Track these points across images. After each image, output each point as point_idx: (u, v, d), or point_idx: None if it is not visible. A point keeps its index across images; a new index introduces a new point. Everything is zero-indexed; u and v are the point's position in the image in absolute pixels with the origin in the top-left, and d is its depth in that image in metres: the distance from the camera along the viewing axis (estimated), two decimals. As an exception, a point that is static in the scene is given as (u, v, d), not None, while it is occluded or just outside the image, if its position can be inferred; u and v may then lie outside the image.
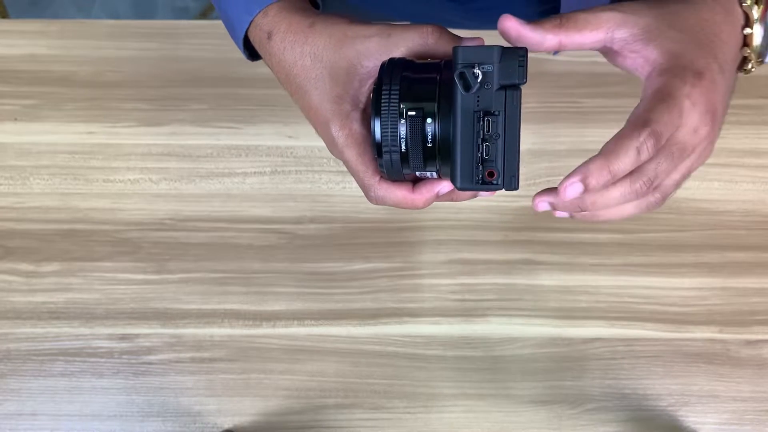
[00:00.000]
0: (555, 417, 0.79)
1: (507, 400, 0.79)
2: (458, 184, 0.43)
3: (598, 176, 0.41)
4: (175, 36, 0.87)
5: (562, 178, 0.85)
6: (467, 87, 0.41)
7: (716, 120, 0.44)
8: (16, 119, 0.84)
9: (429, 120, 0.43)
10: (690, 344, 0.80)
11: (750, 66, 0.49)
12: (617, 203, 0.43)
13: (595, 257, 0.82)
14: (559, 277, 0.81)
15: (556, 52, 0.47)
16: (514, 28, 0.43)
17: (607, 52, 0.46)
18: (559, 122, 0.76)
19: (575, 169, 0.41)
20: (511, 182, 0.43)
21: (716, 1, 0.47)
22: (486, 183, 0.42)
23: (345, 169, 0.83)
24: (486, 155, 0.42)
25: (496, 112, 0.42)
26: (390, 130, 0.43)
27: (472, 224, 0.82)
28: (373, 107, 0.44)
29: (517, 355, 0.80)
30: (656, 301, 0.81)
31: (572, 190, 0.41)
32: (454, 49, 0.42)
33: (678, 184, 0.45)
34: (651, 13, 0.45)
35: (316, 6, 0.52)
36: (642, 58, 0.44)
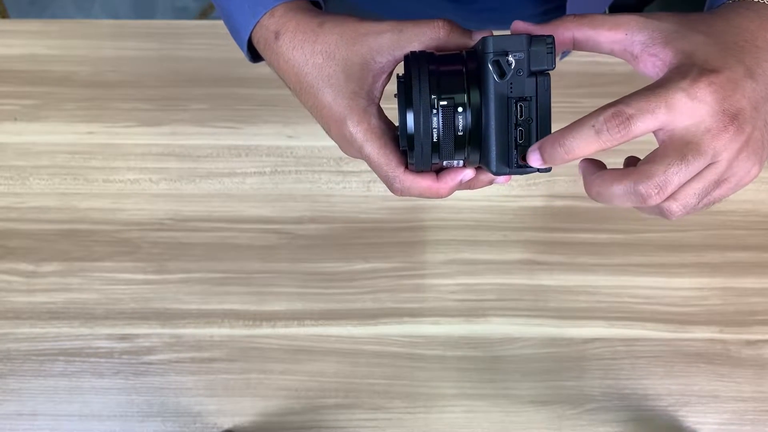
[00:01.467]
0: (555, 417, 0.79)
1: (507, 400, 0.79)
2: (494, 169, 0.44)
3: (551, 148, 0.41)
4: (175, 36, 0.87)
5: (562, 177, 0.85)
6: (502, 74, 0.43)
7: (742, 124, 0.40)
8: (16, 119, 0.84)
9: (460, 109, 0.44)
10: (690, 344, 0.80)
11: None
12: (622, 204, 0.42)
13: (595, 257, 0.82)
14: (559, 277, 0.81)
15: (564, 55, 0.47)
16: (521, 29, 0.44)
17: (628, 57, 0.45)
18: (559, 122, 0.76)
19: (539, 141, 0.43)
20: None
21: (750, 9, 0.45)
22: (521, 167, 0.44)
23: (345, 169, 0.83)
24: (520, 139, 0.44)
25: (529, 97, 0.43)
26: (423, 121, 0.44)
27: (472, 224, 0.82)
28: (403, 100, 0.45)
29: (517, 355, 0.80)
30: (656, 301, 0.81)
31: (532, 157, 0.43)
32: (484, 38, 0.43)
33: (700, 195, 0.42)
34: (674, 18, 0.44)
35: (318, 7, 0.52)
36: (660, 61, 0.43)
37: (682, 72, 0.41)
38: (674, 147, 0.40)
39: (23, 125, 0.84)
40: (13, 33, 0.86)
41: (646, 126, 0.40)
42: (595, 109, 0.41)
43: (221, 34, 0.86)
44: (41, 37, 0.86)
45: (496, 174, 0.45)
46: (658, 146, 0.41)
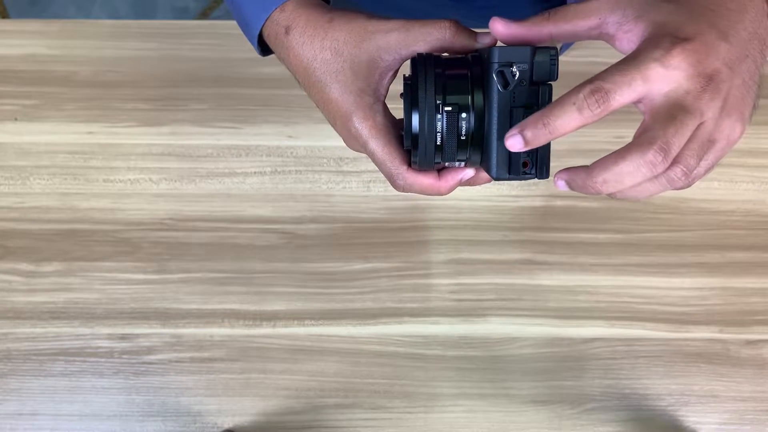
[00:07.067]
0: (555, 417, 0.79)
1: (507, 400, 0.79)
2: (494, 174, 0.45)
3: (533, 129, 0.41)
4: (175, 36, 0.87)
5: (562, 178, 0.84)
6: (505, 84, 0.44)
7: (718, 84, 0.41)
8: (16, 119, 0.84)
9: (464, 114, 0.45)
10: (690, 344, 0.80)
11: None
12: (633, 182, 0.42)
13: (595, 257, 0.82)
14: (559, 277, 0.81)
15: (563, 51, 0.47)
16: (500, 28, 0.45)
17: (606, 39, 0.46)
18: (559, 122, 0.76)
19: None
20: (543, 171, 0.45)
21: None
22: (521, 173, 0.45)
23: (345, 169, 0.83)
24: None
25: (531, 106, 0.44)
26: (427, 123, 0.45)
27: (472, 224, 0.82)
28: (409, 101, 0.46)
29: (517, 355, 0.80)
30: (656, 301, 0.81)
31: (513, 141, 0.42)
32: (491, 49, 0.44)
33: (698, 156, 0.43)
34: None
35: (326, 2, 0.53)
36: (635, 36, 0.43)
37: (654, 42, 0.41)
38: (661, 112, 0.41)
39: (23, 125, 0.84)
40: (13, 33, 0.86)
41: (624, 98, 0.41)
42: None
43: (221, 34, 0.86)
44: (41, 37, 0.86)
45: (497, 179, 0.46)
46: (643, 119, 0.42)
